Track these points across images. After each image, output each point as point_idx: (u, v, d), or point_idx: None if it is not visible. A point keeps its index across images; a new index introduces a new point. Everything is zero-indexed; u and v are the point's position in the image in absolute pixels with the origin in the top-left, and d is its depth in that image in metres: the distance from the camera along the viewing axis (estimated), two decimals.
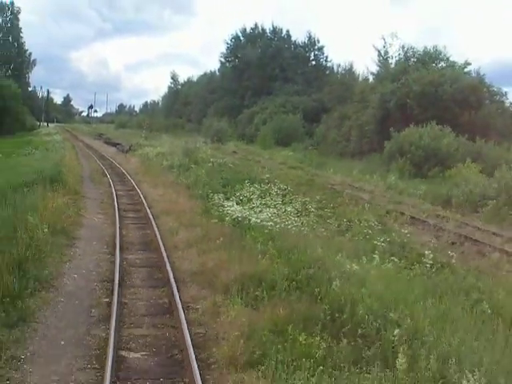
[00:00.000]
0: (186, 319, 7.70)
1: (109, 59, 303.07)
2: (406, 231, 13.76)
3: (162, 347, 7.22)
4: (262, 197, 16.56)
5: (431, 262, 10.24)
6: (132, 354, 6.98)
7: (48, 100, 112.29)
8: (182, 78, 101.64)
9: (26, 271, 9.01)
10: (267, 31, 76.17)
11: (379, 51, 50.63)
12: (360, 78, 57.51)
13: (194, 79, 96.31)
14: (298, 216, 14.32)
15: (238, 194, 17.46)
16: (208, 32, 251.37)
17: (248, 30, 76.35)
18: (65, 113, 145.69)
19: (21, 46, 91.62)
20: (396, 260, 10.51)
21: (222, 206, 15.31)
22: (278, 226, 12.54)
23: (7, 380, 6.03)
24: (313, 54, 73.24)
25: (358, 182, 25.06)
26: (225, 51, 77.62)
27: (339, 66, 65.66)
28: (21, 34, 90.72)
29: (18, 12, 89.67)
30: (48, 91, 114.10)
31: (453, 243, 14.37)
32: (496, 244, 14.24)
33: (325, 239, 12.05)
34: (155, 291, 9.50)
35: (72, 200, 16.85)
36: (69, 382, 6.17)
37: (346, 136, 45.08)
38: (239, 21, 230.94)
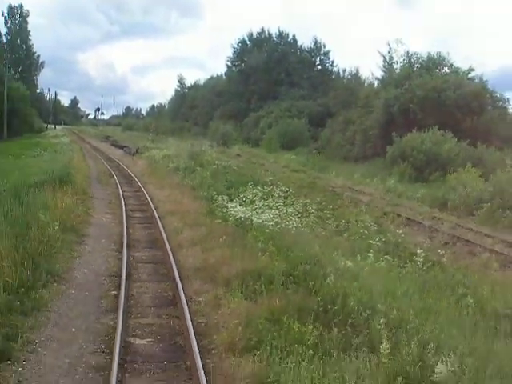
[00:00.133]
0: (188, 310, 8.23)
1: (116, 62, 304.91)
2: (401, 232, 14.30)
3: (166, 335, 7.77)
4: (264, 198, 17.05)
5: (422, 260, 10.76)
6: (138, 341, 7.53)
7: (55, 102, 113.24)
8: (188, 82, 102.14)
9: (38, 265, 9.58)
10: (273, 36, 76.79)
11: (384, 57, 51.01)
12: (366, 83, 57.99)
13: (201, 83, 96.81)
14: (298, 217, 14.82)
15: (241, 195, 17.94)
16: (215, 36, 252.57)
17: (254, 35, 76.96)
18: (72, 115, 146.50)
19: (29, 48, 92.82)
20: (389, 258, 11.03)
21: (226, 207, 15.79)
22: (278, 226, 13.06)
23: (24, 361, 6.58)
24: (319, 58, 73.73)
25: (358, 185, 25.62)
26: (231, 55, 78.25)
27: (345, 70, 66.32)
28: (29, 37, 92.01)
29: (27, 15, 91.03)
30: (56, 93, 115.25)
31: (445, 243, 14.93)
32: (487, 245, 14.78)
33: (323, 239, 12.59)
34: (160, 285, 10.06)
35: (80, 200, 17.44)
36: (80, 363, 6.72)
37: (350, 140, 45.47)
38: (246, 25, 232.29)
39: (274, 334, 7.07)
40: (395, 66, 50.56)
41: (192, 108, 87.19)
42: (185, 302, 8.58)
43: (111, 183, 25.13)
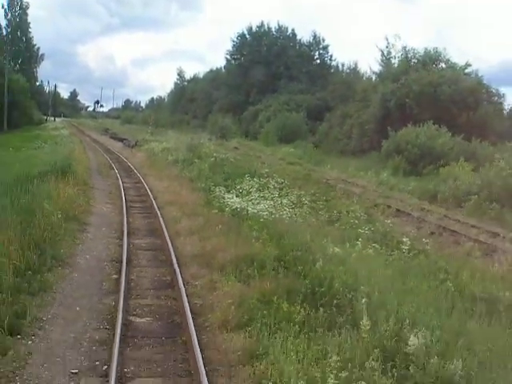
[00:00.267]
0: (185, 292, 8.80)
1: (116, 54, 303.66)
2: (390, 222, 14.86)
3: (164, 314, 8.34)
4: (260, 190, 17.57)
5: (408, 248, 11.31)
6: (138, 319, 8.10)
7: (55, 95, 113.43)
8: (188, 75, 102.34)
9: (43, 250, 10.13)
10: (273, 30, 77.15)
11: (382, 51, 51.43)
12: (364, 78, 58.40)
13: (200, 76, 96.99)
14: (292, 208, 15.35)
15: (238, 187, 18.45)
16: (215, 29, 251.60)
17: (254, 29, 77.27)
18: (71, 107, 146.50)
19: (29, 40, 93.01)
20: (377, 246, 11.57)
21: (223, 198, 16.32)
22: (273, 216, 13.61)
23: (32, 336, 7.14)
24: (317, 52, 74.14)
25: (352, 178, 26.21)
26: (230, 49, 78.56)
27: (343, 65, 66.78)
28: (29, 29, 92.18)
29: (27, 7, 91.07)
30: (55, 86, 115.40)
31: (432, 233, 15.52)
32: (471, 235, 15.38)
33: (314, 228, 13.13)
34: (159, 270, 10.63)
35: (82, 191, 17.94)
36: (85, 338, 7.28)
37: (347, 134, 45.93)
38: (246, 18, 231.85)
39: (264, 312, 7.62)
40: (393, 60, 51.03)
41: (191, 101, 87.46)
42: (182, 285, 9.14)
43: (111, 175, 25.66)
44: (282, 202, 15.69)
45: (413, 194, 22.17)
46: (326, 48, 73.09)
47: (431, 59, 45.79)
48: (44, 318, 7.74)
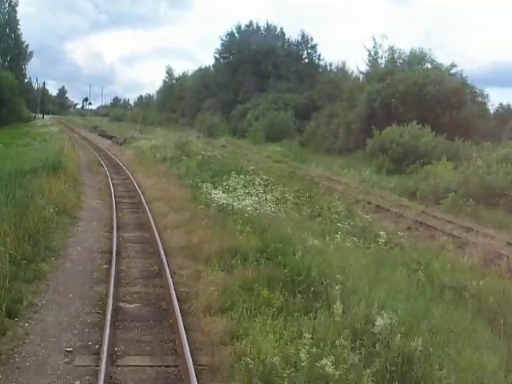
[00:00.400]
0: (172, 281, 9.34)
1: (104, 51, 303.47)
2: (369, 217, 15.46)
3: (152, 300, 8.88)
4: (246, 186, 18.07)
5: (384, 241, 11.92)
6: (127, 305, 8.64)
7: (44, 92, 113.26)
8: (177, 73, 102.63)
9: (37, 242, 10.68)
10: (261, 29, 77.70)
11: (369, 51, 52.15)
12: (352, 77, 59.01)
13: (189, 74, 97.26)
14: (276, 203, 15.88)
15: (224, 183, 18.91)
16: (204, 27, 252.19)
17: (243, 27, 77.82)
18: (59, 105, 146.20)
19: (18, 37, 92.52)
20: (355, 240, 12.15)
21: (210, 194, 16.80)
22: (257, 211, 14.17)
23: (29, 319, 7.66)
24: (306, 52, 74.87)
25: (336, 176, 26.89)
26: (219, 47, 79.05)
27: (331, 64, 67.50)
28: (18, 26, 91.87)
29: (16, 4, 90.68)
30: (44, 83, 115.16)
31: (409, 228, 16.19)
32: (446, 229, 16.06)
33: (297, 222, 13.70)
34: (147, 261, 11.16)
35: (72, 187, 18.40)
36: (78, 321, 7.82)
37: (334, 133, 46.57)
38: (235, 17, 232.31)
39: (246, 298, 8.17)
40: (380, 60, 51.83)
41: (180, 99, 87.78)
42: (169, 274, 9.67)
43: (100, 171, 26.11)
44: (266, 198, 16.21)
45: (393, 192, 22.88)
46: (314, 47, 73.91)
47: (417, 59, 46.61)
48: (39, 304, 8.27)
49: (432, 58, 46.80)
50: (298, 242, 10.66)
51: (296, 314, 7.67)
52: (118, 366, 6.56)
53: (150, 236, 13.05)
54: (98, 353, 6.73)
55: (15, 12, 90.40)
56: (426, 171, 25.29)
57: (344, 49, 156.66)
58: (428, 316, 7.52)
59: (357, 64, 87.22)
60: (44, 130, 49.13)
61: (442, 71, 44.16)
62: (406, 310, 7.50)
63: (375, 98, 40.98)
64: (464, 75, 43.51)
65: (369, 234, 13.22)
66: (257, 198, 16.06)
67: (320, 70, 70.97)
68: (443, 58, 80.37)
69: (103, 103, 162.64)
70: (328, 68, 68.48)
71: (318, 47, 73.70)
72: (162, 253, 11.04)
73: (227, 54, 78.05)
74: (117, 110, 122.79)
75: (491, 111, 44.82)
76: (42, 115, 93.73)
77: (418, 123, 33.29)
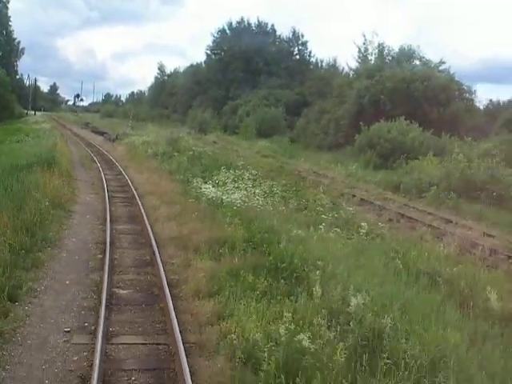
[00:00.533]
0: (163, 269, 9.87)
1: (96, 48, 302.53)
2: (353, 210, 16.05)
3: (144, 287, 9.43)
4: (235, 181, 18.62)
5: (366, 232, 12.50)
6: (121, 291, 9.18)
7: (35, 88, 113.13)
8: (168, 69, 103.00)
9: (34, 233, 11.21)
10: (253, 25, 78.22)
11: (359, 48, 52.72)
12: (343, 74, 59.53)
13: (181, 70, 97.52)
14: (264, 197, 16.42)
15: (214, 178, 19.44)
16: (196, 23, 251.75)
17: (234, 24, 78.29)
18: (51, 101, 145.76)
19: (9, 34, 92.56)
20: (339, 231, 12.71)
21: (200, 188, 17.34)
22: (245, 204, 14.73)
23: (29, 303, 8.20)
24: (297, 48, 75.50)
25: (323, 170, 27.56)
26: (211, 44, 79.46)
27: (322, 61, 68.09)
28: (9, 23, 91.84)
29: (8, 1, 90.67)
30: (35, 79, 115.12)
31: (390, 220, 16.82)
32: (426, 221, 16.71)
33: (283, 214, 14.26)
34: (140, 251, 11.70)
35: (66, 182, 18.88)
36: (74, 305, 8.36)
37: (324, 129, 47.13)
38: (227, 13, 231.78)
39: (232, 283, 8.75)
40: (370, 57, 52.43)
41: (171, 95, 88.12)
42: (160, 263, 10.21)
43: (93, 167, 26.57)
44: (254, 192, 16.76)
45: (378, 186, 23.56)
46: (305, 44, 74.61)
47: (405, 56, 47.25)
48: (38, 289, 8.81)
49: (421, 54, 47.53)
50: (283, 233, 11.23)
51: (279, 298, 8.23)
52: (112, 344, 7.10)
53: (142, 228, 13.57)
54: (94, 332, 7.27)
55: (6, 9, 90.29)
56: (411, 166, 25.91)
57: (336, 45, 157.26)
58: (400, 298, 8.10)
59: (347, 61, 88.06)
60: (36, 127, 49.42)
61: (431, 68, 44.81)
62: (379, 292, 8.09)
63: (364, 94, 41.61)
64: (452, 72, 44.39)
65: (352, 226, 13.77)
66: (245, 192, 16.62)
67: (311, 66, 71.58)
68: (436, 55, 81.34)
69: (95, 100, 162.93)
70: (319, 65, 69.16)
71: (308, 44, 74.70)
72: (154, 243, 11.56)
73: (219, 51, 78.47)
74: (108, 106, 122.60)
75: (481, 107, 45.68)
76: (33, 112, 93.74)
77: (405, 119, 33.93)
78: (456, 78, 43.32)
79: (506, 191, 20.19)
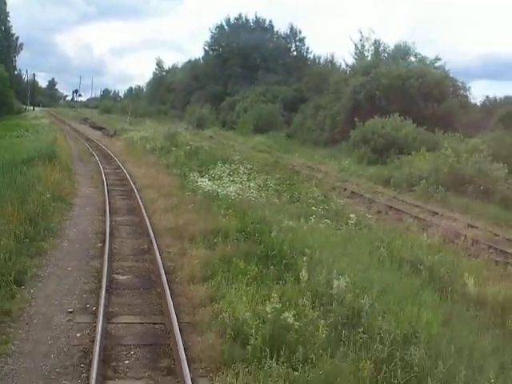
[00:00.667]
0: (160, 257, 10.44)
1: (94, 43, 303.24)
2: (343, 202, 16.64)
3: (142, 273, 10.00)
4: (230, 175, 19.14)
5: (354, 222, 13.07)
6: (120, 277, 9.74)
7: (34, 84, 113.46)
8: (167, 65, 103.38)
9: (37, 223, 11.82)
10: (251, 21, 78.68)
11: (356, 44, 53.16)
12: (340, 70, 59.94)
13: (179, 66, 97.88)
14: (258, 190, 16.95)
15: (211, 172, 19.94)
16: (194, 19, 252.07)
17: (232, 20, 78.73)
18: (49, 97, 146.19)
19: (8, 30, 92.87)
20: (328, 222, 13.29)
21: (196, 182, 17.87)
22: (240, 197, 15.28)
23: (34, 287, 8.76)
24: (294, 44, 76.06)
25: (317, 165, 28.17)
26: (209, 40, 79.88)
27: (320, 57, 68.57)
28: (8, 19, 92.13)
29: None
30: (34, 75, 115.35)
31: (379, 212, 17.42)
32: (413, 213, 17.32)
33: (276, 206, 14.82)
34: (138, 240, 12.27)
35: (66, 175, 19.43)
36: (76, 289, 8.92)
37: (320, 125, 47.49)
38: (225, 9, 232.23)
39: (224, 269, 9.30)
40: (366, 53, 52.92)
41: (170, 91, 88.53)
42: (157, 251, 10.77)
43: (92, 161, 27.10)
44: (249, 185, 17.29)
45: (370, 180, 24.21)
46: (302, 40, 75.19)
47: (401, 53, 47.74)
48: (42, 275, 9.38)
49: (416, 51, 47.99)
50: (274, 223, 11.80)
51: (268, 282, 8.79)
52: (112, 323, 7.66)
53: (140, 219, 14.12)
54: (95, 313, 7.83)
55: (5, 4, 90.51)
56: (402, 161, 26.52)
57: (334, 42, 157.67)
58: (381, 282, 8.67)
59: (344, 57, 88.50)
60: (36, 122, 49.88)
61: (427, 64, 45.31)
62: (362, 277, 8.67)
63: (360, 90, 42.02)
64: (447, 68, 44.71)
65: (341, 217, 14.34)
66: (240, 186, 17.15)
67: (309, 62, 72.01)
68: (435, 52, 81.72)
69: (93, 95, 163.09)
70: (316, 61, 69.59)
71: (306, 40, 75.31)
72: (151, 233, 12.14)
73: (217, 47, 78.87)
74: (107, 101, 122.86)
75: (478, 103, 46.26)
76: (32, 107, 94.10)
77: (400, 115, 34.41)
78: (451, 75, 43.81)
79: (492, 185, 20.84)
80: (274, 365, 6.10)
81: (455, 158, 21.97)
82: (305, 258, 9.14)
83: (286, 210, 14.34)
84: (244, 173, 19.51)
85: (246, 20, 78.83)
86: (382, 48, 49.76)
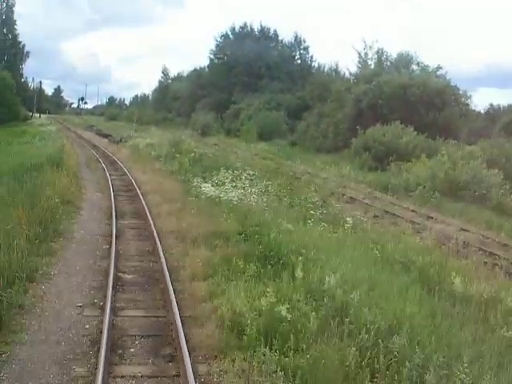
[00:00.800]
0: (164, 257, 11.00)
1: (100, 51, 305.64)
2: (341, 207, 17.17)
3: (146, 272, 10.56)
4: (233, 181, 19.67)
5: (350, 226, 13.59)
6: (126, 276, 10.30)
7: (40, 91, 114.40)
8: (172, 73, 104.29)
9: (47, 225, 12.37)
10: (255, 30, 79.37)
11: (359, 53, 53.79)
12: (344, 78, 60.48)
13: (184, 74, 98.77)
14: (260, 195, 17.50)
15: (214, 178, 20.47)
16: (200, 27, 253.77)
17: (237, 29, 79.42)
18: (55, 104, 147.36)
19: (15, 37, 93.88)
20: (326, 225, 13.82)
21: (200, 187, 18.43)
22: (241, 201, 15.83)
23: (45, 283, 9.34)
24: (298, 53, 76.70)
25: (317, 171, 28.69)
26: (214, 48, 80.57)
27: (324, 65, 69.18)
28: (15, 27, 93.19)
29: (13, 5, 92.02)
30: (40, 82, 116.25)
31: (375, 216, 17.92)
32: (408, 217, 17.83)
33: (276, 211, 15.34)
34: (143, 242, 12.85)
35: (73, 181, 20.00)
36: (85, 285, 9.50)
37: (323, 133, 48.04)
38: (230, 18, 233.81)
39: (225, 268, 9.84)
40: (369, 62, 53.54)
41: (175, 99, 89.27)
42: (161, 252, 11.34)
43: (99, 168, 27.73)
44: (251, 191, 17.80)
45: (369, 185, 24.73)
46: (306, 49, 75.78)
47: (403, 62, 48.37)
48: (52, 273, 9.96)
49: (418, 60, 48.62)
50: (273, 226, 12.34)
51: (265, 280, 9.32)
52: (118, 316, 8.22)
53: (145, 222, 14.69)
54: (102, 307, 8.38)
55: (12, 12, 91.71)
56: (400, 167, 27.06)
57: (338, 51, 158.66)
58: (371, 280, 9.20)
59: (347, 65, 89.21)
60: (42, 129, 50.64)
61: (428, 73, 45.90)
62: (353, 275, 9.19)
63: (362, 98, 42.63)
64: (449, 77, 45.43)
65: (338, 221, 14.85)
66: (242, 191, 17.69)
67: (313, 71, 72.59)
68: (441, 60, 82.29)
69: (99, 102, 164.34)
70: (321, 69, 70.18)
71: (310, 49, 75.75)
72: (156, 235, 12.72)
73: (222, 55, 79.48)
74: (112, 109, 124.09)
75: (481, 111, 46.86)
76: (38, 114, 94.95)
77: (401, 123, 34.98)
78: (455, 83, 44.56)
79: (487, 191, 21.39)
80: (268, 352, 6.63)
81: (451, 164, 22.54)
82: (300, 258, 9.67)
83: (286, 214, 14.87)
84: (246, 179, 20.05)
85: (251, 29, 79.48)
86: (384, 57, 50.40)
